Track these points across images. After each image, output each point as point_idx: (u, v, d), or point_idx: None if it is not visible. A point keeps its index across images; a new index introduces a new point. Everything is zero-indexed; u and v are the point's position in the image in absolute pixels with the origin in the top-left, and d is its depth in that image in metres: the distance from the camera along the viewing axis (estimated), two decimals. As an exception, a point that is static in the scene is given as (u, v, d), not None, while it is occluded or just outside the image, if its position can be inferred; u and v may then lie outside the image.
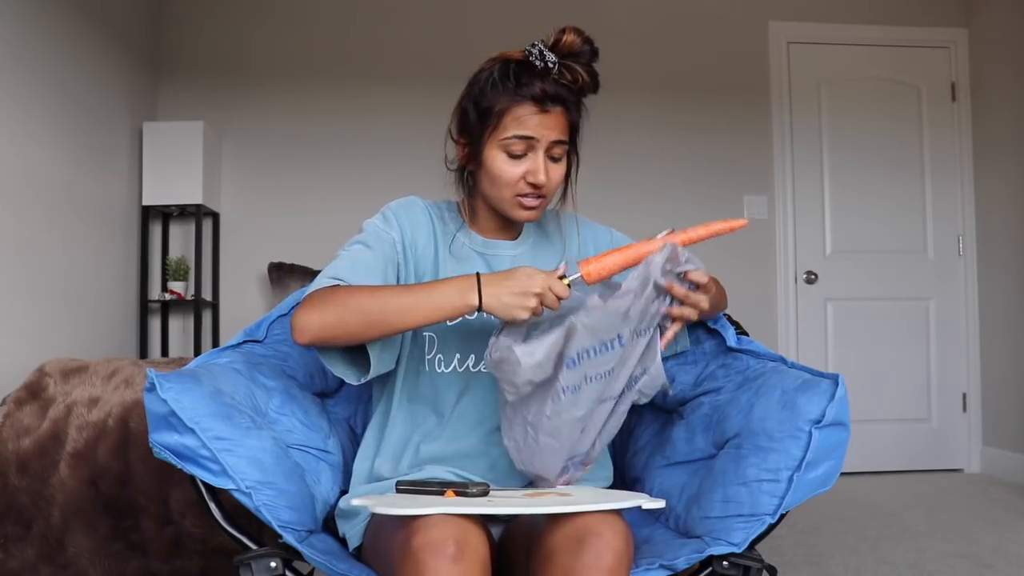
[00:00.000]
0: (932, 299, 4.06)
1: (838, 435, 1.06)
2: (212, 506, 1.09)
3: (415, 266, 1.24)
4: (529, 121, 1.16)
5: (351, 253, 1.19)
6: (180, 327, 3.77)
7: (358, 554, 1.18)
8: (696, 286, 1.11)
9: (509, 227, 1.30)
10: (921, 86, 4.12)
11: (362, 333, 1.08)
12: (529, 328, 1.08)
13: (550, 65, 1.16)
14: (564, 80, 1.17)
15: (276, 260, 3.69)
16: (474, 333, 1.22)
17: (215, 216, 3.78)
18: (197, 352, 3.60)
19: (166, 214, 3.73)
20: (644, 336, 1.09)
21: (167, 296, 3.63)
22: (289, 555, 1.06)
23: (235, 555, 1.04)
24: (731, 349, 1.30)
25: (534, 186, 1.18)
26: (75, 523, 1.69)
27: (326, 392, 1.40)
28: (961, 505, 3.22)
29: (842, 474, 1.10)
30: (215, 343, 3.71)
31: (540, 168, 1.17)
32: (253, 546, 1.06)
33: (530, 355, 1.04)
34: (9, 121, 2.62)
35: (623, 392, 1.12)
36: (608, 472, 1.30)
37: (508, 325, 1.07)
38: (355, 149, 3.89)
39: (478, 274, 1.08)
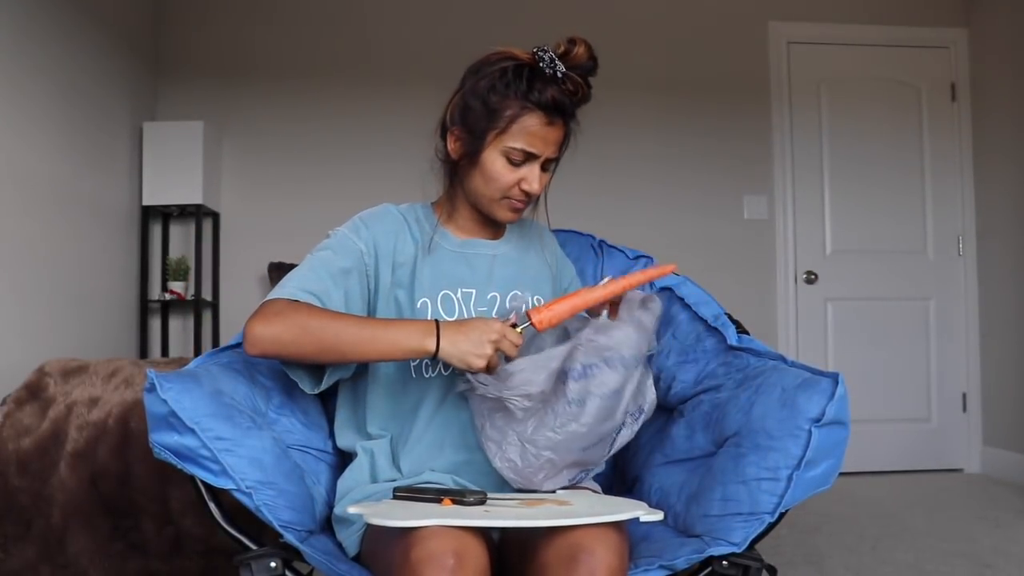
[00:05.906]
0: (932, 299, 4.05)
1: (838, 434, 1.06)
2: (212, 506, 1.08)
3: (393, 272, 1.23)
4: (536, 135, 1.16)
5: (317, 260, 1.18)
6: (180, 327, 3.77)
7: (356, 559, 1.17)
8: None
9: (489, 226, 1.30)
10: (921, 86, 4.11)
11: (315, 357, 1.11)
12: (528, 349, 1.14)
13: (559, 75, 1.15)
14: (567, 90, 1.16)
15: (276, 260, 3.69)
16: None
17: (215, 216, 3.78)
18: (197, 352, 3.60)
19: (166, 214, 3.73)
20: (638, 369, 1.15)
21: (167, 296, 3.63)
22: (289, 555, 1.06)
23: (235, 555, 1.04)
24: (732, 347, 1.30)
25: (527, 194, 1.21)
26: (75, 523, 1.69)
27: (326, 392, 1.39)
28: (961, 505, 3.22)
29: (842, 474, 1.10)
30: (215, 343, 3.71)
31: (536, 179, 1.19)
32: (253, 546, 1.06)
33: (526, 370, 1.08)
34: (9, 121, 2.62)
35: (624, 422, 1.16)
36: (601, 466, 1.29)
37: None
38: (355, 149, 3.89)
39: (437, 321, 1.08)
